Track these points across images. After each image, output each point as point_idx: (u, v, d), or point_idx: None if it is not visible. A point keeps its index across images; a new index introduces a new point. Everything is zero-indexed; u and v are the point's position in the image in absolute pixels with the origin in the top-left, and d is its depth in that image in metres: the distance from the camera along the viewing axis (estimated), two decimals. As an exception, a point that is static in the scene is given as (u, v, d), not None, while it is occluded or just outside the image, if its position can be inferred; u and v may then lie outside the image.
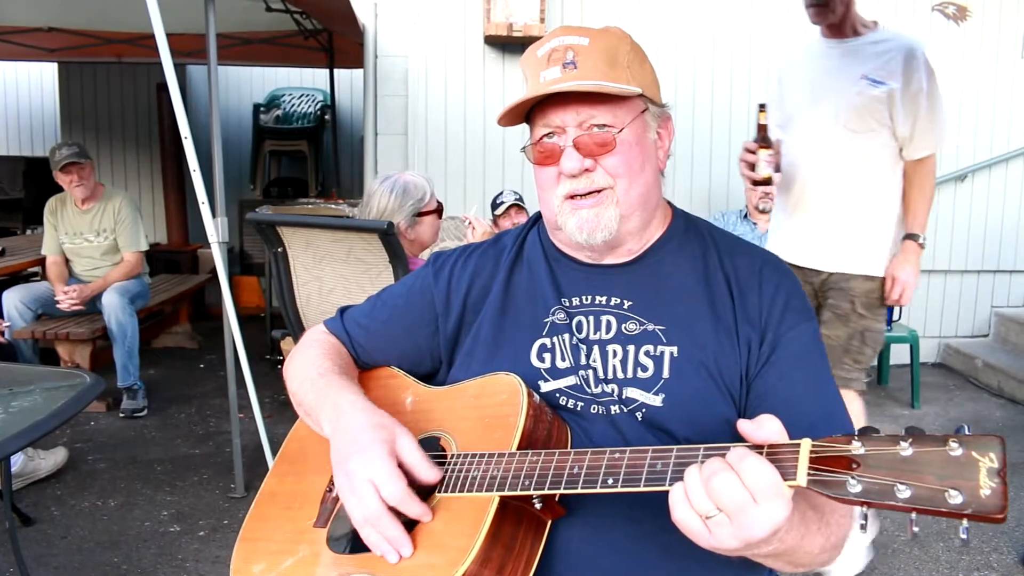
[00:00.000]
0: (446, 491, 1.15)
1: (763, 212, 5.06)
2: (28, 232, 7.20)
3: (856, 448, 0.88)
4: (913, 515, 0.84)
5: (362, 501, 1.11)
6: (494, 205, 4.94)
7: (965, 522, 0.81)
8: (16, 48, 6.86)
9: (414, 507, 1.11)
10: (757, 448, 0.93)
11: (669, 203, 1.43)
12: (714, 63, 5.70)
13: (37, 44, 6.83)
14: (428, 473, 1.14)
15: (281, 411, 4.71)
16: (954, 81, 5.77)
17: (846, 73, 2.92)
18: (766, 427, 0.94)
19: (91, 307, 4.87)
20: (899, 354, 5.57)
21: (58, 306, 4.78)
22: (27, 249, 5.74)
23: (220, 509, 3.50)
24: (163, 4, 3.29)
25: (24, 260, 5.42)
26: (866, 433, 0.90)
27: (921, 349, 5.22)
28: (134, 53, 7.03)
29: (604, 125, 1.24)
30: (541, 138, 1.27)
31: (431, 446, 1.23)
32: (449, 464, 1.18)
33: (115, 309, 4.66)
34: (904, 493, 0.83)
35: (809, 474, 0.89)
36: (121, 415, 4.66)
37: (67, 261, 5.04)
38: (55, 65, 8.31)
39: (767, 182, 2.94)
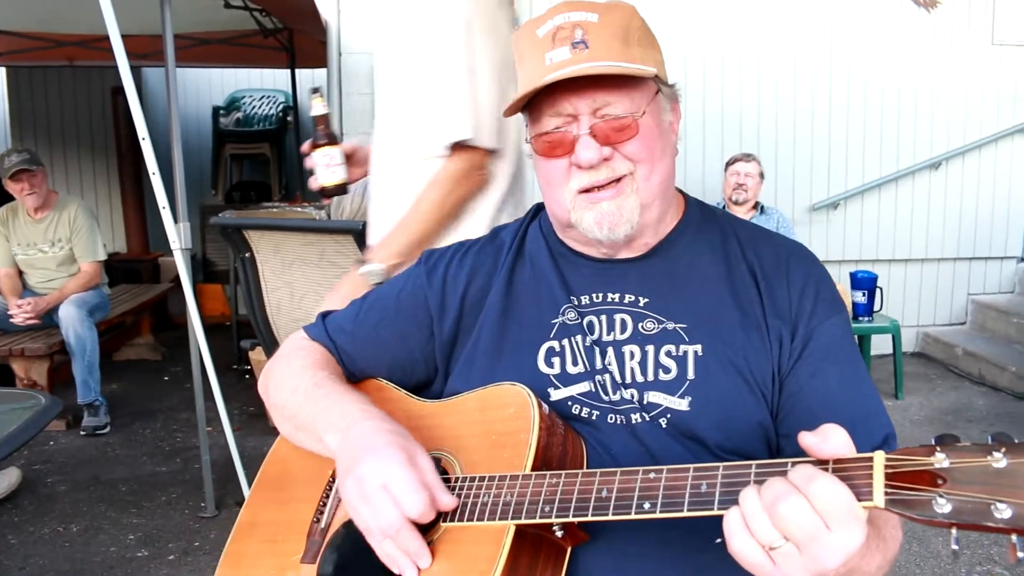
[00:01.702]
0: (453, 520, 1.01)
1: (738, 204, 4.99)
2: (-21, 244, 6.91)
3: (940, 461, 0.75)
4: (1014, 538, 0.72)
5: (376, 511, 0.99)
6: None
7: (1077, 546, 0.70)
8: (-39, 52, 6.60)
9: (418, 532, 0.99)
10: (821, 464, 0.80)
11: (679, 190, 1.31)
12: (685, 49, 5.62)
13: (-17, 48, 6.57)
14: (445, 498, 1.01)
15: (250, 424, 4.53)
16: (927, 69, 5.75)
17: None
18: (832, 439, 0.81)
19: (47, 321, 4.67)
20: (879, 345, 5.53)
21: (12, 320, 4.57)
22: (-22, 262, 5.48)
23: (191, 530, 3.32)
24: (116, 4, 3.12)
25: (-25, 274, 5.17)
26: (947, 442, 0.78)
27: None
28: (87, 56, 6.79)
29: (620, 115, 1.10)
30: (551, 129, 1.12)
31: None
32: (454, 489, 1.04)
33: (73, 322, 4.45)
34: (1004, 513, 0.71)
35: (887, 493, 0.77)
36: (82, 433, 4.45)
37: (20, 273, 4.83)
38: (3, 69, 8.02)
39: (338, 191, 2.11)
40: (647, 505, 0.89)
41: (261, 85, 8.33)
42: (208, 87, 8.33)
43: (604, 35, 1.10)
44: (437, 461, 1.10)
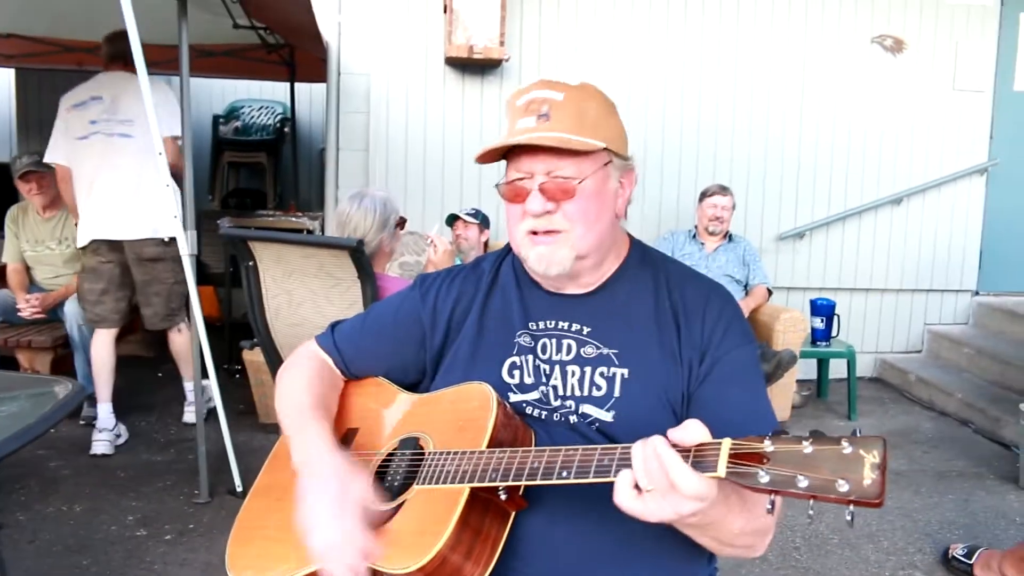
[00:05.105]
0: (423, 484, 1.32)
1: (712, 234, 5.31)
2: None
3: (767, 446, 1.06)
4: (811, 502, 1.03)
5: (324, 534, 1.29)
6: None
7: (851, 507, 1.00)
8: (-27, 55, 6.84)
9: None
10: (685, 451, 1.10)
11: (629, 235, 1.61)
12: (665, 87, 5.95)
13: (-6, 50, 6.82)
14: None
15: (240, 420, 4.80)
16: (892, 109, 6.11)
17: None
18: (690, 430, 1.12)
19: (52, 315, 4.90)
20: (837, 368, 5.85)
21: (19, 314, 4.79)
22: (-13, 256, 5.72)
23: (185, 514, 3.59)
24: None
25: (-16, 268, 5.42)
26: (777, 434, 1.09)
27: (858, 364, 5.51)
28: (95, 62, 6.97)
29: (568, 177, 1.39)
30: (513, 180, 1.44)
31: (411, 445, 1.41)
32: (426, 460, 1.35)
33: (77, 317, 4.70)
34: (803, 483, 1.01)
35: (728, 467, 1.07)
36: (81, 422, 4.69)
37: (28, 269, 5.06)
38: (12, 72, 8.26)
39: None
40: (565, 473, 1.19)
41: (260, 96, 8.59)
42: (208, 95, 8.58)
43: (564, 112, 1.40)
44: (416, 439, 1.41)
